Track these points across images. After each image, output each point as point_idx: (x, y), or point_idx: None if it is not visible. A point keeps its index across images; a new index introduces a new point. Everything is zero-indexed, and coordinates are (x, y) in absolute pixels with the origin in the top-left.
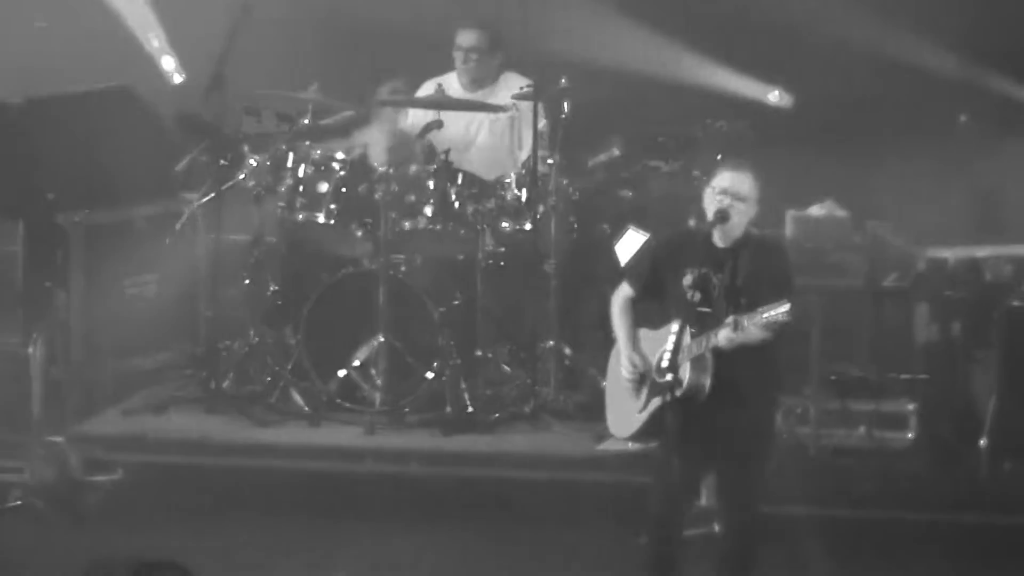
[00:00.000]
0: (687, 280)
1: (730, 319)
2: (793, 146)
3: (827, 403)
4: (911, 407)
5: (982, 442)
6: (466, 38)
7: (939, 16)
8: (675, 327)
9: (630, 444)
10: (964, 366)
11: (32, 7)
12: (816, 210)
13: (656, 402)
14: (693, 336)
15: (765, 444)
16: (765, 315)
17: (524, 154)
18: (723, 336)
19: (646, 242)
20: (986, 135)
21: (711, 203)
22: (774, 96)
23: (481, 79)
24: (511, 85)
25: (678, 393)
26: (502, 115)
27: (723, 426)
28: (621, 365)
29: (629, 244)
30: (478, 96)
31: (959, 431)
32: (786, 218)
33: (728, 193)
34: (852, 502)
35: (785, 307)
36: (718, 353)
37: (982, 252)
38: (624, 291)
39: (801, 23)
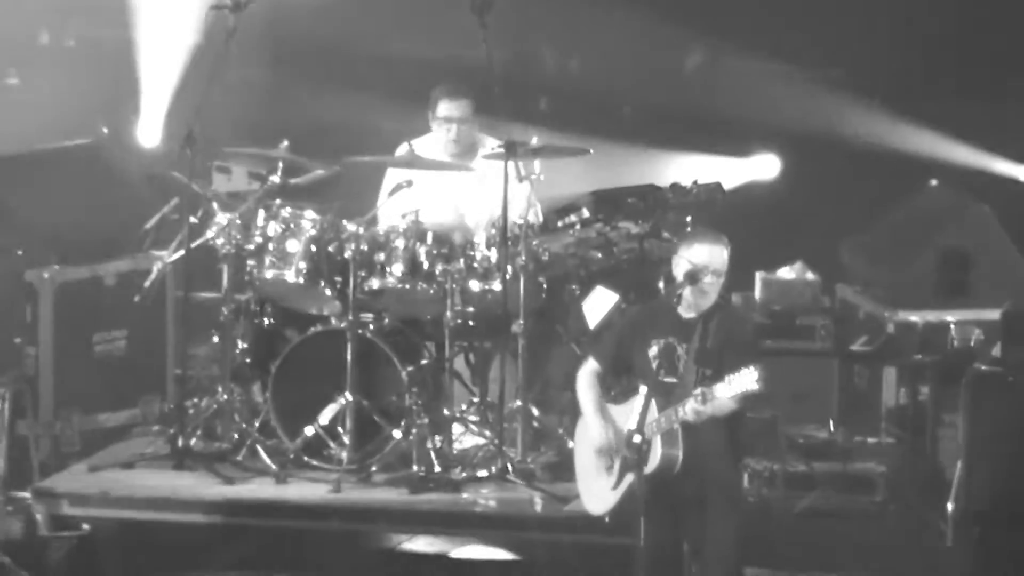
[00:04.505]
0: (652, 351)
1: (698, 391)
2: (763, 207)
3: (794, 466)
4: (879, 471)
5: (949, 506)
6: (453, 109)
7: (913, 90)
8: (642, 399)
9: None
10: (932, 430)
11: (2, 63)
12: (786, 272)
13: (629, 478)
14: (660, 408)
15: (736, 508)
16: (733, 385)
17: (494, 214)
18: (690, 409)
19: (612, 311)
20: (956, 198)
21: (681, 267)
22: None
23: (467, 147)
24: (487, 147)
25: (652, 468)
26: (480, 175)
27: (695, 495)
28: (591, 440)
29: (598, 304)
30: (463, 162)
31: (926, 495)
32: (756, 280)
33: (708, 270)
34: (819, 566)
35: (754, 375)
36: (685, 424)
37: (951, 316)
38: (590, 366)
39: (779, 94)
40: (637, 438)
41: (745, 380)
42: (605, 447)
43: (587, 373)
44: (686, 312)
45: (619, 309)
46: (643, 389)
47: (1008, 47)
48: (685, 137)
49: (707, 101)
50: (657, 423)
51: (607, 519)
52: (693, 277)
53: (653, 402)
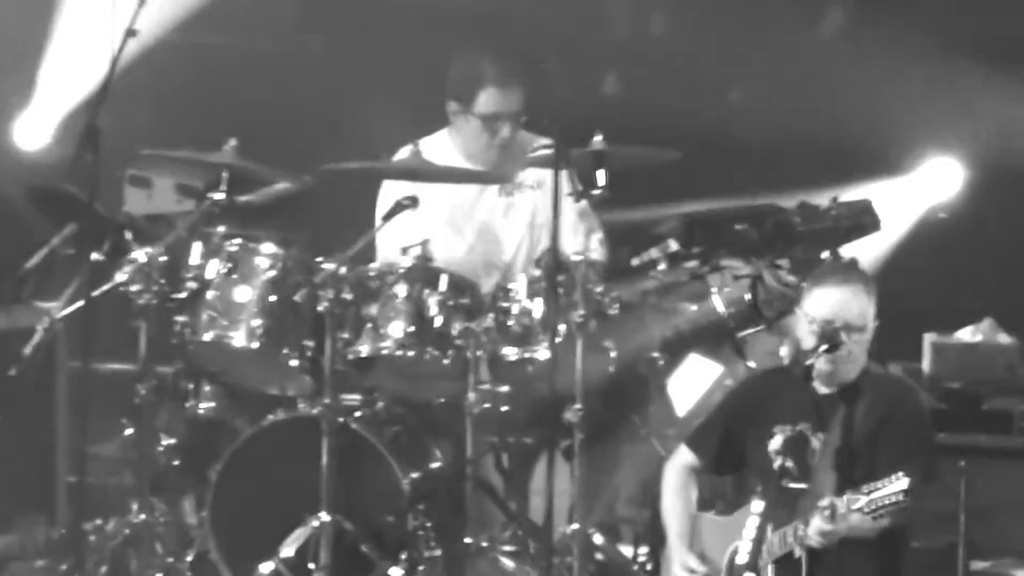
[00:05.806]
0: (774, 443)
1: (826, 502)
2: (935, 241)
3: None
4: None
5: None
6: (505, 100)
7: None
8: (756, 512)
9: None
10: None
11: None
12: (968, 334)
13: None
14: (778, 524)
15: None
16: (871, 497)
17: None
18: (814, 529)
19: (713, 390)
20: None
21: (807, 331)
22: None
23: (516, 153)
24: (529, 151)
25: None
26: (523, 191)
27: None
28: (673, 573)
29: (693, 380)
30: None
31: None
32: (924, 345)
33: (833, 326)
34: None
35: (902, 484)
36: (814, 551)
37: None
38: (683, 459)
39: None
40: (745, 566)
41: (889, 493)
42: None
43: (678, 469)
44: (823, 386)
45: (725, 385)
46: (757, 504)
47: None
48: (819, 152)
49: (848, 90)
50: (769, 547)
51: None
52: (831, 342)
53: (771, 517)
